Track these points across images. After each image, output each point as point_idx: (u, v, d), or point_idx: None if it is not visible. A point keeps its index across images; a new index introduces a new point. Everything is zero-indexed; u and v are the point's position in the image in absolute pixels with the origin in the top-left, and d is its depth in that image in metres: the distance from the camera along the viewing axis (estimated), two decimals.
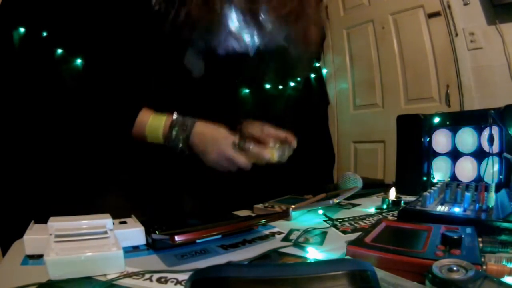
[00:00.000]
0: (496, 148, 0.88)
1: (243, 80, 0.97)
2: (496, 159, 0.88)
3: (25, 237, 0.49)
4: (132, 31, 0.71)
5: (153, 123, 0.70)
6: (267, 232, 0.65)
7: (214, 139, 0.71)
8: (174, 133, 0.69)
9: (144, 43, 0.72)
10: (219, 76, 0.87)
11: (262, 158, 0.72)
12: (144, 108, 0.72)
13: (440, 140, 1.01)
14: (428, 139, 1.02)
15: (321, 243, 0.58)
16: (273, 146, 0.76)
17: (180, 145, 0.70)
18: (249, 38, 0.77)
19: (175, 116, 0.70)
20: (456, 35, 1.89)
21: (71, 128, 1.56)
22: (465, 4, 1.84)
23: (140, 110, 0.71)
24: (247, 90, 1.57)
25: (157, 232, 0.54)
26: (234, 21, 0.73)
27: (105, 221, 0.53)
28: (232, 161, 0.70)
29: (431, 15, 2.00)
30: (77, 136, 1.54)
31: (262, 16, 0.73)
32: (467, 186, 0.79)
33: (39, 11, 1.54)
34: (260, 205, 0.81)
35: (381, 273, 0.39)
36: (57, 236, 0.47)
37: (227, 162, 0.70)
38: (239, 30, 0.74)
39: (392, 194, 0.88)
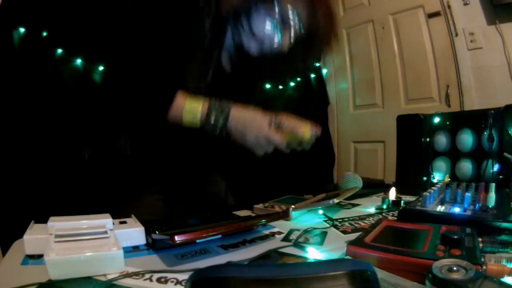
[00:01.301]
0: (496, 148, 0.88)
1: (268, 76, 0.98)
2: (496, 159, 0.88)
3: (25, 237, 0.49)
4: (176, 25, 0.73)
5: (191, 106, 0.70)
6: (267, 232, 0.65)
7: (252, 119, 0.72)
8: (212, 117, 0.70)
9: (185, 37, 0.74)
10: (248, 72, 0.88)
11: (296, 133, 0.73)
12: (180, 92, 0.72)
13: (440, 140, 1.01)
14: (428, 139, 1.02)
15: (321, 243, 0.58)
16: (306, 125, 0.76)
17: (219, 128, 0.71)
18: (277, 33, 0.78)
19: (211, 100, 0.71)
20: (456, 35, 1.89)
21: (71, 128, 1.57)
22: (465, 4, 1.84)
23: (176, 93, 0.71)
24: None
25: (157, 232, 0.54)
26: (266, 17, 0.74)
27: (105, 221, 0.53)
28: (269, 140, 0.71)
29: (431, 15, 2.00)
30: (77, 136, 1.55)
31: (287, 11, 0.75)
32: (467, 186, 0.79)
33: (39, 11, 1.54)
34: (260, 205, 0.81)
35: (381, 273, 0.39)
36: (57, 236, 0.47)
37: (264, 141, 0.71)
38: (271, 26, 0.75)
39: (392, 194, 0.88)
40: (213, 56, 0.80)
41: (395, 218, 0.69)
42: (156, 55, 0.74)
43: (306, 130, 0.75)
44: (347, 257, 0.47)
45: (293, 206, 0.74)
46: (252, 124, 0.72)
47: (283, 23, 0.76)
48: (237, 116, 0.72)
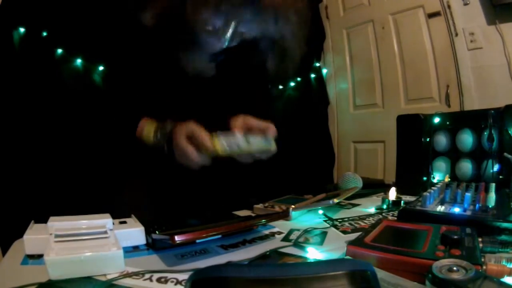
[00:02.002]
0: (496, 148, 0.88)
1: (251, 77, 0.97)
2: (496, 159, 0.88)
3: (25, 237, 0.49)
4: (134, 41, 0.75)
5: (147, 131, 0.75)
6: (267, 232, 0.65)
7: (176, 133, 0.71)
8: (158, 138, 0.74)
9: (144, 48, 0.76)
10: (228, 76, 0.88)
11: (204, 146, 0.66)
12: (143, 119, 0.76)
13: (440, 140, 1.01)
14: (428, 139, 1.02)
15: (321, 243, 0.58)
16: (217, 136, 0.68)
17: (161, 145, 0.73)
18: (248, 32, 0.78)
19: (163, 122, 0.74)
20: (456, 35, 1.89)
21: (71, 129, 1.57)
22: (465, 4, 1.84)
23: (140, 120, 0.76)
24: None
25: (157, 232, 0.54)
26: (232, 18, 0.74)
27: (105, 221, 0.53)
28: (184, 152, 0.69)
29: (431, 15, 2.00)
30: (76, 136, 1.55)
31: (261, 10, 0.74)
32: (467, 186, 0.79)
33: (39, 11, 1.54)
34: (260, 205, 0.81)
35: (381, 273, 0.39)
36: (57, 236, 0.47)
37: (180, 152, 0.70)
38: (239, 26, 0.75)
39: (392, 194, 0.88)
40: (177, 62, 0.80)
41: (395, 218, 0.69)
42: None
43: (214, 142, 0.66)
44: (347, 257, 0.47)
45: (293, 206, 0.74)
46: (174, 138, 0.71)
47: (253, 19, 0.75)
48: (173, 133, 0.72)
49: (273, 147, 0.74)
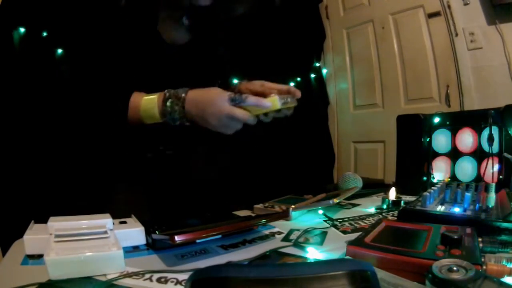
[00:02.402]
0: (496, 148, 0.88)
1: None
2: (496, 159, 0.88)
3: (25, 237, 0.49)
4: (106, 15, 0.71)
5: (146, 103, 0.69)
6: (267, 232, 0.65)
7: (209, 100, 0.67)
8: (168, 105, 0.67)
9: (119, 24, 0.72)
10: (204, 42, 0.85)
11: (262, 106, 0.67)
12: (135, 92, 0.71)
13: (440, 140, 1.01)
14: (428, 139, 1.02)
15: (321, 243, 0.58)
16: (272, 97, 0.70)
17: (177, 116, 0.68)
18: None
19: (167, 90, 0.69)
20: (456, 35, 1.89)
21: (71, 128, 1.56)
22: (465, 4, 1.84)
23: (131, 94, 0.70)
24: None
25: (157, 232, 0.54)
26: None
27: (105, 221, 0.53)
28: (232, 117, 0.67)
29: (431, 15, 2.00)
30: (76, 136, 1.54)
31: None
32: (467, 186, 0.79)
33: (39, 11, 1.54)
34: (260, 205, 0.81)
35: (381, 273, 0.39)
36: (57, 236, 0.47)
37: (228, 120, 0.67)
38: None
39: (392, 194, 0.88)
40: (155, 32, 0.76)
41: (395, 218, 0.69)
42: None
43: (273, 101, 0.69)
44: (347, 257, 0.47)
45: (293, 206, 0.74)
46: (210, 104, 0.67)
47: None
48: (193, 99, 0.68)
49: (296, 103, 0.76)
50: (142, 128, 0.73)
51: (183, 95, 0.68)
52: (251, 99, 0.67)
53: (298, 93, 0.75)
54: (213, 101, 0.67)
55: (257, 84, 0.77)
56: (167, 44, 0.80)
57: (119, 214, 0.61)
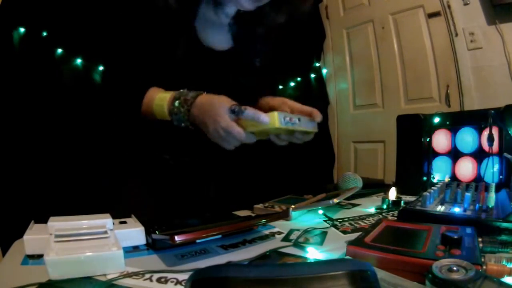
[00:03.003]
0: (496, 148, 0.88)
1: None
2: (496, 159, 0.88)
3: (25, 237, 0.49)
4: (143, 11, 0.71)
5: (160, 99, 0.69)
6: (267, 232, 0.65)
7: (211, 107, 0.64)
8: (176, 105, 0.66)
9: (154, 22, 0.72)
10: (244, 50, 0.85)
11: (258, 120, 0.61)
12: (154, 87, 0.71)
13: (440, 140, 1.01)
14: (428, 139, 1.02)
15: (321, 243, 0.58)
16: (272, 113, 0.62)
17: (182, 118, 0.66)
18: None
19: (180, 90, 0.68)
20: (456, 35, 1.89)
21: (71, 129, 1.57)
22: (465, 4, 1.84)
23: (148, 89, 0.71)
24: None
25: (157, 232, 0.54)
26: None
27: (105, 221, 0.53)
28: (226, 131, 0.62)
29: (431, 15, 2.00)
30: (77, 136, 1.54)
31: None
32: (467, 186, 0.79)
33: (39, 11, 1.54)
34: (260, 205, 0.81)
35: (381, 273, 0.39)
36: (57, 236, 0.47)
37: (225, 133, 0.63)
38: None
39: (392, 194, 0.88)
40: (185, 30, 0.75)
41: (395, 218, 0.69)
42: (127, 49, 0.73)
43: (272, 117, 0.61)
44: (347, 257, 0.47)
45: (293, 206, 0.74)
46: (211, 112, 0.63)
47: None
48: (200, 104, 0.65)
49: (315, 130, 0.71)
50: (161, 129, 0.73)
51: (191, 98, 0.66)
52: (249, 112, 0.62)
53: (319, 117, 0.70)
54: (214, 109, 0.64)
55: (278, 100, 0.75)
56: (205, 47, 0.80)
57: (119, 214, 0.61)
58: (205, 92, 0.67)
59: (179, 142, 0.82)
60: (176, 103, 0.67)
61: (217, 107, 0.64)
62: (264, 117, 0.61)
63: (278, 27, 0.82)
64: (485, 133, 0.90)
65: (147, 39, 0.73)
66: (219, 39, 0.81)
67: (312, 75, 2.53)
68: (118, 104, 0.74)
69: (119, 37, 0.74)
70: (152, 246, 0.55)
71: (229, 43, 0.83)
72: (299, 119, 0.66)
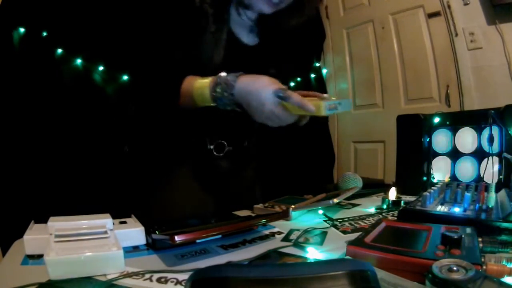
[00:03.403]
0: (496, 148, 0.88)
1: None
2: (496, 159, 0.88)
3: (25, 237, 0.49)
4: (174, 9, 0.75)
5: (199, 86, 0.71)
6: (267, 232, 0.65)
7: (255, 89, 0.66)
8: (218, 90, 0.68)
9: (186, 18, 0.75)
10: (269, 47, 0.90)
11: (305, 108, 0.64)
12: (190, 76, 0.73)
13: (440, 140, 1.01)
14: (428, 139, 1.02)
15: (321, 243, 0.58)
16: (318, 102, 0.65)
17: (227, 102, 0.68)
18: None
19: (219, 74, 0.69)
20: (456, 35, 1.89)
21: (71, 129, 1.57)
22: (465, 4, 1.84)
23: (184, 78, 0.73)
24: None
25: (157, 232, 0.54)
26: None
27: (105, 221, 0.53)
28: (273, 114, 0.66)
29: (431, 15, 2.01)
30: (77, 136, 1.54)
31: None
32: (467, 186, 0.79)
33: (39, 11, 1.54)
34: (260, 205, 0.81)
35: (381, 273, 0.39)
36: (57, 236, 0.47)
37: (270, 114, 0.66)
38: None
39: (392, 194, 0.88)
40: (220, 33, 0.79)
41: (395, 218, 0.69)
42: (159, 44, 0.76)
43: (318, 106, 0.64)
44: (347, 257, 0.47)
45: (293, 206, 0.74)
46: (255, 94, 0.66)
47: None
48: (242, 86, 0.67)
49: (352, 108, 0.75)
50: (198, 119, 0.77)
51: (232, 82, 0.68)
52: (296, 98, 0.64)
53: (326, 94, 0.74)
54: (258, 91, 0.66)
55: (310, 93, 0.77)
56: (242, 43, 0.85)
57: (119, 214, 0.61)
58: (241, 73, 0.69)
59: (220, 128, 0.86)
60: (218, 88, 0.68)
61: (262, 90, 0.65)
62: (311, 106, 0.64)
63: (293, 28, 0.87)
64: (485, 133, 0.90)
65: (187, 39, 0.76)
66: (247, 36, 0.87)
67: (312, 75, 2.53)
68: (156, 97, 0.76)
69: (164, 39, 0.77)
70: (152, 246, 0.55)
71: (255, 40, 0.89)
72: (339, 103, 0.68)
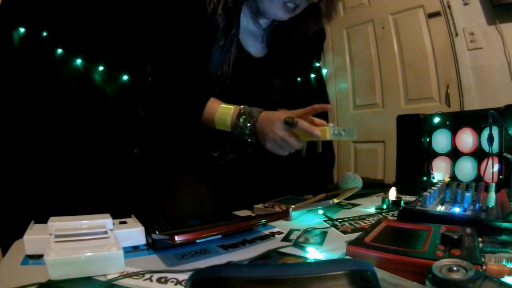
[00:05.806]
0: (496, 148, 0.88)
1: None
2: (496, 159, 0.88)
3: (25, 237, 0.49)
4: (191, 27, 0.78)
5: (222, 111, 0.75)
6: (267, 232, 0.65)
7: (269, 120, 0.72)
8: (241, 121, 0.73)
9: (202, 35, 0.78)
10: (279, 58, 0.93)
11: (312, 134, 0.69)
12: (212, 98, 0.77)
13: (440, 140, 1.01)
14: (428, 139, 1.02)
15: (321, 243, 0.58)
16: (323, 128, 0.71)
17: (247, 132, 0.74)
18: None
19: (243, 106, 0.75)
20: (456, 35, 1.89)
21: (71, 129, 1.56)
22: (465, 4, 1.84)
23: (208, 99, 0.77)
24: None
25: (157, 232, 0.54)
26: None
27: (105, 221, 0.53)
28: (283, 140, 0.71)
29: (431, 15, 2.01)
30: (77, 136, 1.54)
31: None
32: (467, 186, 0.79)
33: (39, 11, 1.54)
34: (260, 205, 0.81)
35: (381, 273, 0.39)
36: (57, 236, 0.47)
37: (280, 141, 0.71)
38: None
39: (392, 194, 0.88)
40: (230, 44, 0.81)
41: (395, 218, 0.69)
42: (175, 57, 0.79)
43: (324, 131, 0.70)
44: (347, 257, 0.47)
45: (293, 206, 0.74)
46: (269, 124, 0.72)
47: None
48: (262, 119, 0.73)
49: (356, 137, 0.78)
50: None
51: (256, 114, 0.74)
52: (303, 125, 0.70)
53: (328, 107, 0.82)
54: (271, 121, 0.72)
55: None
56: (250, 55, 0.88)
57: (119, 214, 0.61)
58: (262, 109, 0.75)
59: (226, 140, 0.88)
60: (241, 118, 0.74)
61: (275, 120, 0.72)
62: (317, 131, 0.69)
63: (307, 36, 0.91)
64: (485, 133, 0.90)
65: (201, 51, 0.79)
66: (255, 46, 0.90)
67: (312, 75, 2.53)
68: (180, 114, 0.80)
69: (176, 49, 0.79)
70: (152, 246, 0.55)
71: (264, 50, 0.92)
72: (344, 130, 0.74)
